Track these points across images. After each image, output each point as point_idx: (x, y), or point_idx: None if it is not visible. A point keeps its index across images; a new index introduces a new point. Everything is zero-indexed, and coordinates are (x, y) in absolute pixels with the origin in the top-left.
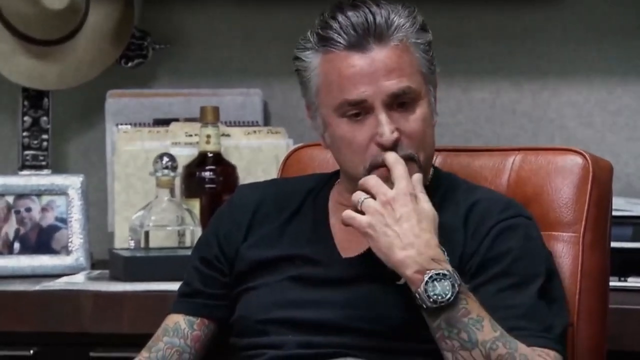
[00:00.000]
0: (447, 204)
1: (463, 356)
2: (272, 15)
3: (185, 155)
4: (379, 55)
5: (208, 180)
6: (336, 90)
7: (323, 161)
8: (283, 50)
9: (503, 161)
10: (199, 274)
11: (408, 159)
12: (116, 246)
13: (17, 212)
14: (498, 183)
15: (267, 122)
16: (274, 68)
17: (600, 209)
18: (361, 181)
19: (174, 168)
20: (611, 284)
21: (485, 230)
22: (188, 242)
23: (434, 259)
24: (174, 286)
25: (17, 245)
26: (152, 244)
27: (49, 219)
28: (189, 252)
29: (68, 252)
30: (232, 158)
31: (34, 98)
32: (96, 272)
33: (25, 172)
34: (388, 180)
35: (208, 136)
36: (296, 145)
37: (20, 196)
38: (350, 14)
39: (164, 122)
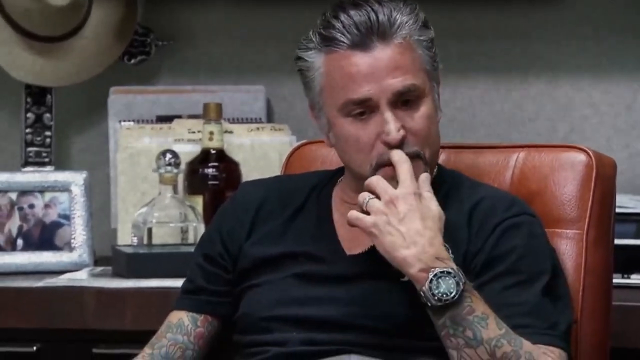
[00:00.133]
0: (451, 201)
1: (468, 354)
2: (276, 12)
3: (188, 152)
4: (382, 53)
5: (211, 177)
6: (340, 90)
7: (326, 158)
8: (286, 47)
9: (507, 158)
10: (202, 270)
11: (414, 156)
12: (119, 243)
13: (20, 209)
14: (502, 180)
15: (270, 119)
16: (277, 65)
17: (604, 206)
18: (366, 182)
19: (177, 165)
20: (615, 281)
21: (490, 229)
22: (191, 238)
23: (438, 257)
24: (177, 283)
25: (20, 242)
26: (155, 240)
27: (52, 216)
28: (192, 249)
29: (71, 249)
30: (235, 155)
31: (37, 95)
32: (99, 269)
33: (28, 168)
34: (394, 179)
35: (211, 133)
36: (299, 142)
37: (23, 193)
38: (352, 12)
39: (167, 119)
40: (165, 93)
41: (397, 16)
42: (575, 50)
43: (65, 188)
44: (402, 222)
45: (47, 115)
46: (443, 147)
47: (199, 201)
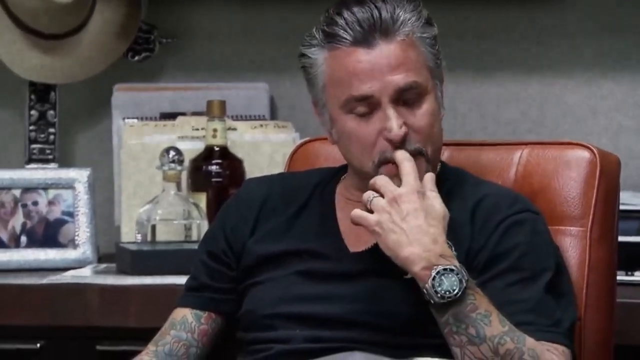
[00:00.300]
0: (454, 198)
1: (471, 351)
2: (280, 9)
3: (191, 149)
4: (385, 50)
5: (215, 174)
6: (343, 87)
7: (330, 155)
8: (290, 44)
9: (510, 155)
10: (206, 268)
11: (416, 154)
12: (123, 240)
13: (24, 206)
14: (505, 177)
15: (273, 116)
16: (281, 62)
17: (608, 203)
18: (371, 181)
19: (180, 162)
20: (618, 278)
21: (493, 226)
22: (195, 236)
23: (442, 255)
24: (181, 280)
25: (24, 239)
26: (159, 237)
27: (56, 213)
28: (195, 246)
29: (75, 246)
30: (239, 152)
31: (41, 92)
32: (103, 266)
33: (32, 165)
34: (396, 176)
35: (215, 130)
36: (303, 140)
37: (27, 190)
38: (355, 9)
39: (171, 116)
40: (169, 90)
41: (400, 13)
42: (581, 49)
43: (69, 185)
44: (405, 220)
45: (51, 112)
46: (447, 145)
47: (202, 198)
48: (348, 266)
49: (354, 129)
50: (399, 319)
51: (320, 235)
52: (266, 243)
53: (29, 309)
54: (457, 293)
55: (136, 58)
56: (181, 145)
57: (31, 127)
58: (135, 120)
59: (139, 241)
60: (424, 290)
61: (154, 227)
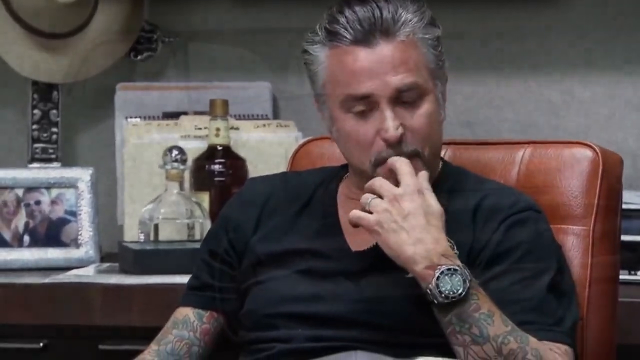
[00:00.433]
0: (456, 197)
1: (474, 351)
2: (283, 8)
3: (194, 148)
4: (385, 50)
5: (217, 173)
6: (342, 85)
7: (332, 155)
8: (292, 44)
9: (513, 154)
10: (208, 267)
11: (413, 155)
12: (125, 239)
13: (27, 205)
14: (508, 176)
15: (276, 115)
16: (283, 61)
17: (610, 202)
18: (367, 184)
19: (183, 161)
20: (621, 277)
21: (495, 224)
22: (197, 235)
23: (444, 255)
24: (184, 279)
25: (26, 238)
26: (162, 237)
27: (59, 212)
28: (198, 245)
29: (77, 245)
30: (242, 151)
31: (44, 91)
32: (105, 265)
33: (34, 165)
34: (393, 177)
35: (217, 129)
36: (305, 139)
37: (29, 189)
38: (357, 8)
39: (174, 115)
40: (172, 89)
41: (402, 13)
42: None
43: (71, 184)
44: (407, 219)
45: (54, 111)
46: (449, 144)
47: (205, 197)
48: (350, 265)
49: (352, 128)
50: (401, 318)
51: (323, 234)
52: (268, 242)
53: (32, 308)
54: (461, 293)
55: (139, 57)
56: (184, 145)
57: (34, 127)
58: (138, 120)
59: (141, 240)
60: (427, 291)
61: (156, 226)
